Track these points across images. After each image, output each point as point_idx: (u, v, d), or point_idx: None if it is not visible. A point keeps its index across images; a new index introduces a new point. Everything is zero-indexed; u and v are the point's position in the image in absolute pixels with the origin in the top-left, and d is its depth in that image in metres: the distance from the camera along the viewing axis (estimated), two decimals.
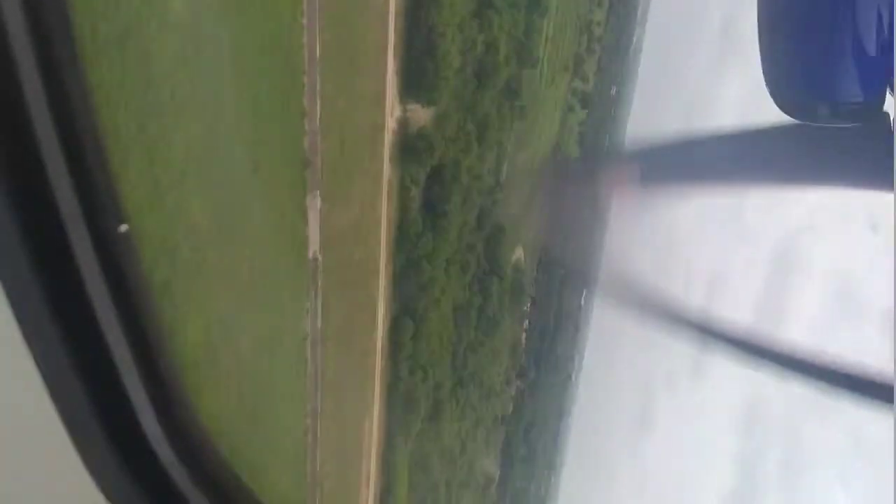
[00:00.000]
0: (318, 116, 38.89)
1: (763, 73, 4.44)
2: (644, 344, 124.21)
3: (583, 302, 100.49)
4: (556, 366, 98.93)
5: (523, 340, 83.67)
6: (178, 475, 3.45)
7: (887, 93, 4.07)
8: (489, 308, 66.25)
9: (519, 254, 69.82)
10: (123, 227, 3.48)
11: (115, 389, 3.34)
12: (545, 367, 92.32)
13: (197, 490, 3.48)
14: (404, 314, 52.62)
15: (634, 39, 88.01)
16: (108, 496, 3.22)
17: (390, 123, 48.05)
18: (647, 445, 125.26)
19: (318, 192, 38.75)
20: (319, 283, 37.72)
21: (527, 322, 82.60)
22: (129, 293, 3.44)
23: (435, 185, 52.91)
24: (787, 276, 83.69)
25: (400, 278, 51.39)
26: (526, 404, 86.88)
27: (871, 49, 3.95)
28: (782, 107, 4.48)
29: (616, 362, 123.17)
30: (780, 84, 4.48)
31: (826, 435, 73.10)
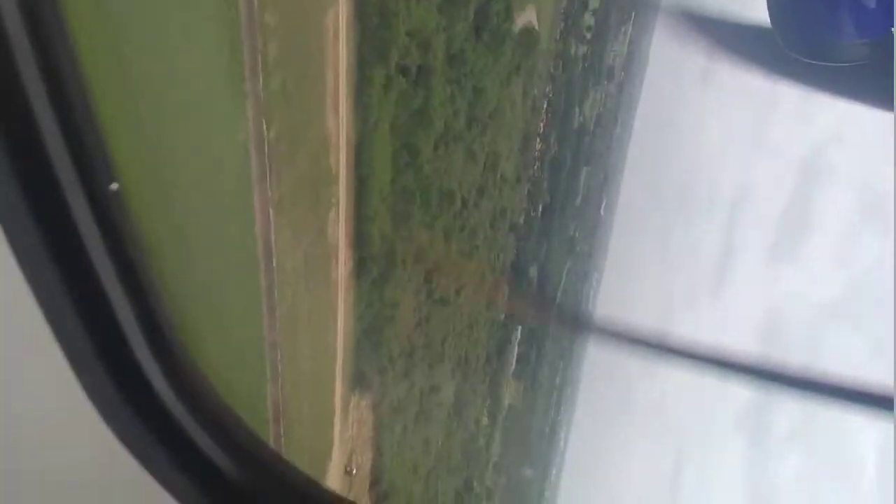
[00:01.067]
0: None
1: (769, 15, 4.51)
2: (663, 263, 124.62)
3: (602, 212, 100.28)
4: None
5: None
6: (166, 393, 3.81)
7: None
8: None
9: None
10: (114, 186, 3.76)
11: (110, 323, 3.70)
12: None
13: (183, 407, 3.84)
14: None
15: None
16: (104, 416, 3.58)
17: None
18: (665, 366, 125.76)
19: None
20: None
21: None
22: (121, 241, 3.74)
23: None
24: (814, 188, 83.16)
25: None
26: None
27: None
28: (789, 47, 4.57)
29: (633, 280, 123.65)
30: (787, 26, 4.58)
31: (846, 343, 73.29)
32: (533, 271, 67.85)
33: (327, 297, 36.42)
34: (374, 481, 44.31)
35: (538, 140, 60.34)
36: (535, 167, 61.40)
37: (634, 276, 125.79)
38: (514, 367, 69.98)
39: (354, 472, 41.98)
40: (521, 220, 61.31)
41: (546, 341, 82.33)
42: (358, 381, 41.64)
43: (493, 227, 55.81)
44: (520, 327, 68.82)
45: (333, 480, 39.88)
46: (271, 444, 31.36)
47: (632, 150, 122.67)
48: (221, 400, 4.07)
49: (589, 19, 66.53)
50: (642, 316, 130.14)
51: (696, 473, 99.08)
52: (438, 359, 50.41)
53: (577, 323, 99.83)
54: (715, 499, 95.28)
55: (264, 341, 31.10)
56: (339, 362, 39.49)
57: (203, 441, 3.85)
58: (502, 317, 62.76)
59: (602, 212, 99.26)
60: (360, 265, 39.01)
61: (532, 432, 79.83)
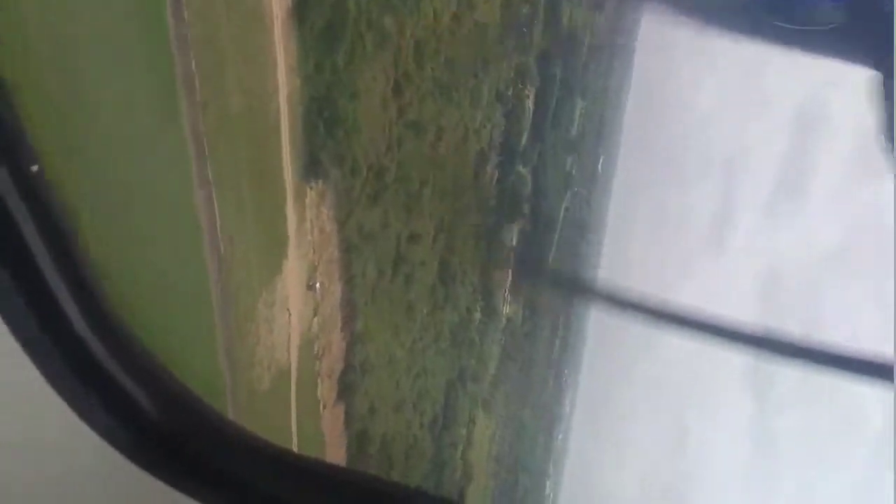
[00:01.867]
0: None
1: None
2: (658, 230, 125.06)
3: (600, 168, 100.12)
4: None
5: None
6: (98, 351, 4.13)
7: None
8: None
9: None
10: (35, 167, 4.12)
11: (42, 287, 4.06)
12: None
13: (114, 361, 4.16)
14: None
15: None
16: (43, 372, 3.92)
17: None
18: (665, 335, 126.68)
19: None
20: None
21: None
22: (46, 213, 4.09)
23: None
24: (809, 139, 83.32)
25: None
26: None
27: None
28: (770, 14, 4.57)
29: (631, 243, 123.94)
30: None
31: (847, 293, 73.51)
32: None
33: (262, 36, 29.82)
34: (349, 334, 40.09)
35: None
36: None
37: (632, 239, 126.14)
38: (510, 280, 67.42)
39: (318, 289, 37.27)
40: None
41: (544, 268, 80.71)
42: (311, 168, 36.42)
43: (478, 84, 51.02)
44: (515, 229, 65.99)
45: (293, 292, 35.29)
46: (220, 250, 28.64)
47: (628, 117, 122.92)
48: (148, 350, 4.34)
49: None
50: (641, 278, 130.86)
51: (701, 432, 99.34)
52: (416, 204, 45.44)
53: (576, 284, 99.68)
54: (721, 457, 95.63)
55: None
56: (286, 133, 33.52)
57: (129, 385, 4.17)
58: (492, 202, 59.08)
59: (600, 168, 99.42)
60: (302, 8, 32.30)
61: (533, 369, 77.46)
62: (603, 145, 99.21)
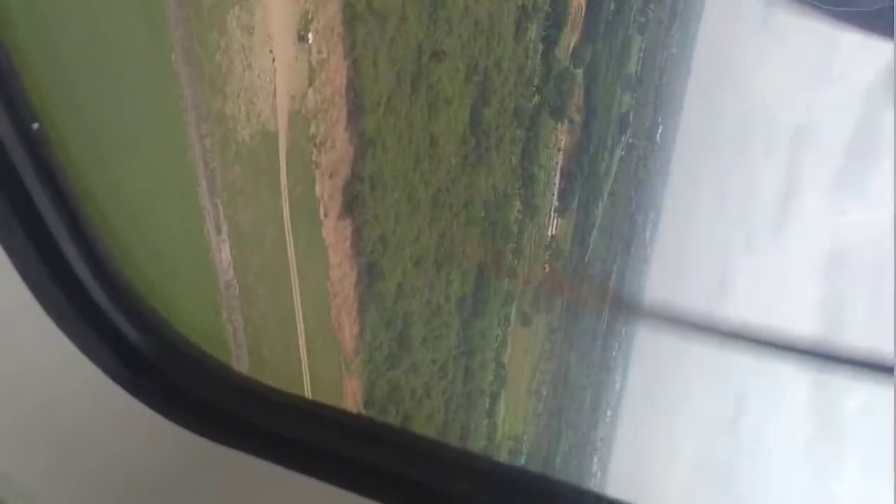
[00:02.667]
0: None
1: None
2: (720, 205, 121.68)
3: (658, 138, 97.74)
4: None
5: None
6: (95, 291, 4.35)
7: None
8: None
9: None
10: (35, 125, 4.28)
11: (48, 239, 4.23)
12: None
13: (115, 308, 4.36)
14: None
15: None
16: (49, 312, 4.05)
17: None
18: (726, 309, 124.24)
19: None
20: None
21: None
22: (46, 165, 4.27)
23: None
24: (878, 113, 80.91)
25: None
26: None
27: None
28: None
29: (691, 229, 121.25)
30: None
31: None
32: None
33: None
34: (355, 136, 32.23)
35: None
36: None
37: (692, 221, 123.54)
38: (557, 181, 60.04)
39: (312, 46, 30.99)
40: None
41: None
42: None
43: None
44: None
45: (278, 32, 29.68)
46: None
47: (689, 91, 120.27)
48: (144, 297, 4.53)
49: None
50: (700, 255, 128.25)
51: (759, 415, 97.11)
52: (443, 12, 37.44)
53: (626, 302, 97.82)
54: (777, 440, 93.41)
55: None
56: None
57: (123, 325, 4.35)
58: (535, 79, 50.84)
59: (658, 137, 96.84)
60: None
61: (580, 311, 73.30)
62: (662, 113, 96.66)
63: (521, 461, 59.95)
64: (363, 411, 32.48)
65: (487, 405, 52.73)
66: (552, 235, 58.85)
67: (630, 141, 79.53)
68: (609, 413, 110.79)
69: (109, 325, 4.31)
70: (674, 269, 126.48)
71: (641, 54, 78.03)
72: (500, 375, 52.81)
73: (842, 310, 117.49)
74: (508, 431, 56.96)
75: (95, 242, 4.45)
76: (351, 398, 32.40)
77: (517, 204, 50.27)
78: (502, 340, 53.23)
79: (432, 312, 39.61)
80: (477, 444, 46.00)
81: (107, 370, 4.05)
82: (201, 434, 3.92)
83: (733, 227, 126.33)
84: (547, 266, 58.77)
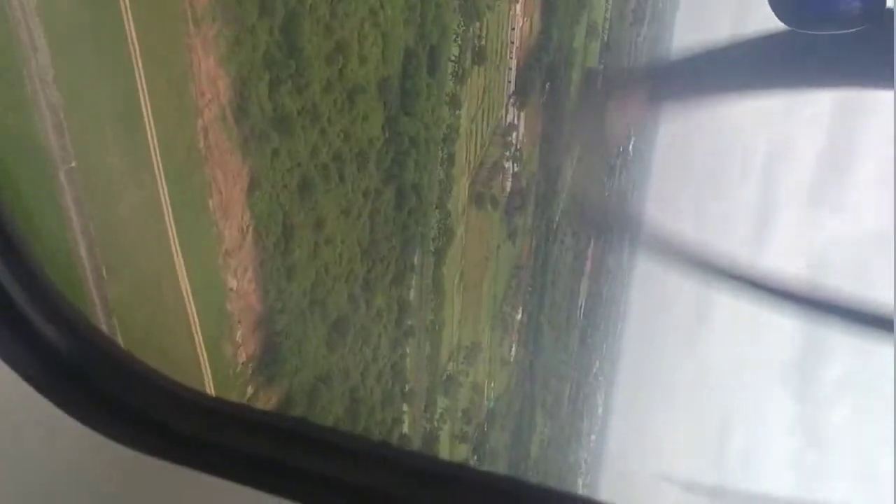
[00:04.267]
0: None
1: None
2: (698, 235, 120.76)
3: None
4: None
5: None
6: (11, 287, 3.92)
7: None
8: None
9: None
10: None
11: None
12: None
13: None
14: None
15: None
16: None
17: None
18: (705, 341, 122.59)
19: None
20: None
21: None
22: None
23: None
24: (851, 123, 79.79)
25: None
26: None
27: None
28: (783, 18, 4.15)
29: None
30: None
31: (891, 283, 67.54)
32: None
33: None
34: None
35: None
36: None
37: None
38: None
39: None
40: None
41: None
42: None
43: None
44: None
45: None
46: None
47: (662, 118, 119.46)
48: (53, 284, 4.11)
49: None
50: (679, 290, 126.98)
51: (744, 432, 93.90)
52: None
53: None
54: (764, 455, 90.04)
55: None
56: None
57: (39, 321, 3.92)
58: None
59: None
60: None
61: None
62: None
63: None
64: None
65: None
66: None
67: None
68: (593, 437, 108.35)
69: (30, 328, 3.82)
70: (653, 297, 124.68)
71: None
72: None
73: (821, 327, 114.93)
74: None
75: (14, 241, 4.04)
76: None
77: None
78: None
79: None
80: None
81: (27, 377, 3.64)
82: (134, 447, 3.49)
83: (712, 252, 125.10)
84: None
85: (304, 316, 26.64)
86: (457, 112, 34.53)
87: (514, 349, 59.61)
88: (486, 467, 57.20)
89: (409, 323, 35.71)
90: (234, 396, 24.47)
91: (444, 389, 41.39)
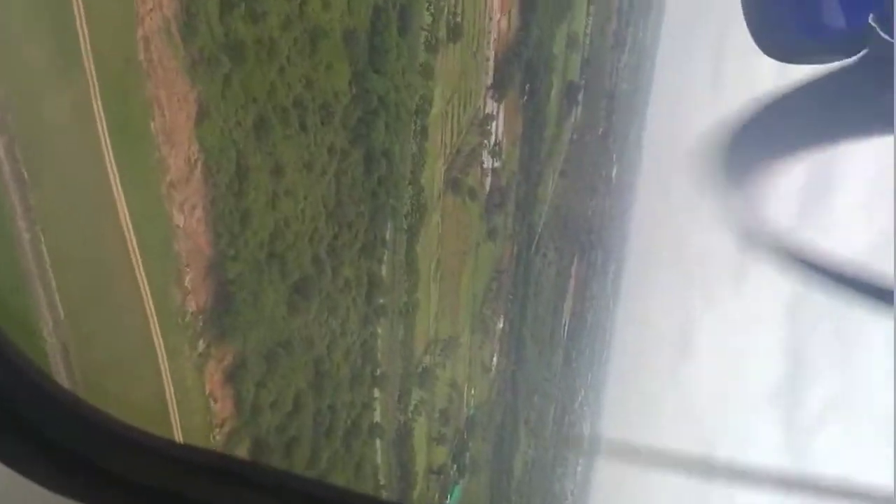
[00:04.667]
0: None
1: (745, 19, 4.12)
2: (681, 266, 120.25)
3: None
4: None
5: None
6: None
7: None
8: None
9: None
10: None
11: None
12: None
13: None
14: None
15: None
16: None
17: None
18: (689, 370, 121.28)
19: None
20: None
21: None
22: None
23: None
24: (831, 153, 79.16)
25: None
26: None
27: None
28: (767, 50, 4.17)
29: (652, 290, 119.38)
30: (763, 25, 4.20)
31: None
32: None
33: None
34: None
35: None
36: None
37: (654, 283, 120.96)
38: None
39: None
40: None
41: None
42: None
43: None
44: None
45: None
46: None
47: (645, 154, 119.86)
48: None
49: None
50: (662, 322, 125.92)
51: (732, 460, 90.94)
52: None
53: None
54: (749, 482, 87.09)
55: None
56: None
57: None
58: None
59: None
60: None
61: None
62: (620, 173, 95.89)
63: None
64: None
65: None
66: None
67: None
68: (580, 468, 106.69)
69: None
70: (638, 326, 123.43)
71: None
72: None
73: (806, 351, 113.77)
74: None
75: None
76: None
77: None
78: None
79: None
80: None
81: None
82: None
83: (693, 285, 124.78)
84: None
85: (260, 268, 24.55)
86: (429, 83, 33.03)
87: (495, 358, 57.51)
88: (466, 478, 54.81)
89: (381, 301, 33.62)
90: (184, 350, 22.33)
91: (420, 381, 39.17)
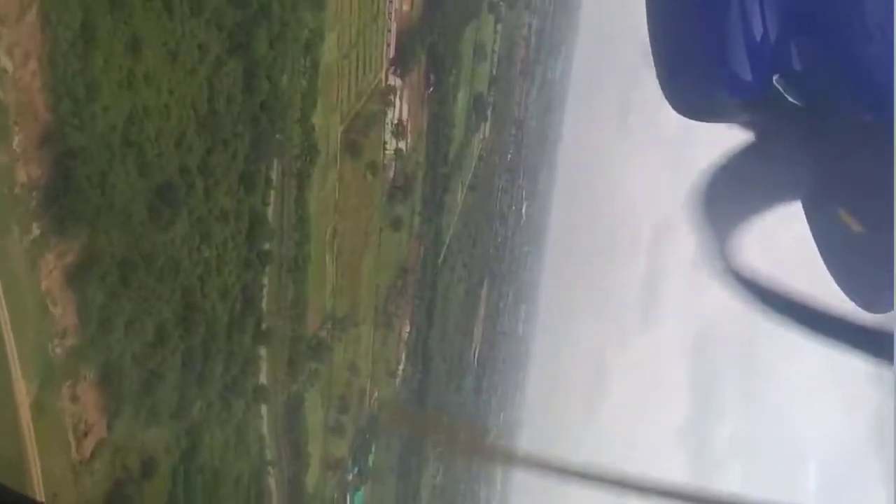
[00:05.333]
0: None
1: (657, 76, 3.93)
2: (593, 306, 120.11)
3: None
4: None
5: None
6: None
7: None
8: None
9: None
10: None
11: None
12: None
13: None
14: None
15: None
16: None
17: None
18: (603, 408, 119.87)
19: None
20: None
21: None
22: None
23: None
24: None
25: None
26: None
27: (758, 38, 3.61)
28: (678, 107, 3.96)
29: (565, 329, 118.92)
30: (674, 83, 3.94)
31: (778, 343, 67.15)
32: None
33: None
34: None
35: None
36: None
37: (565, 322, 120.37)
38: None
39: None
40: None
41: None
42: None
43: None
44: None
45: None
46: None
47: (556, 193, 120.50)
48: None
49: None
50: (577, 361, 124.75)
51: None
52: None
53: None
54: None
55: None
56: None
57: None
58: None
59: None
60: None
61: None
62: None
63: None
64: None
65: None
66: None
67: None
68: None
69: None
70: (552, 368, 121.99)
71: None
72: None
73: (712, 387, 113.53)
74: None
75: None
76: None
77: None
78: None
79: None
80: None
81: None
82: None
83: (606, 324, 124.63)
84: None
85: (112, 151, 20.94)
86: (319, 14, 30.24)
87: (402, 365, 54.17)
88: (369, 486, 50.45)
89: (266, 247, 30.10)
90: (12, 231, 18.45)
91: (314, 353, 35.43)
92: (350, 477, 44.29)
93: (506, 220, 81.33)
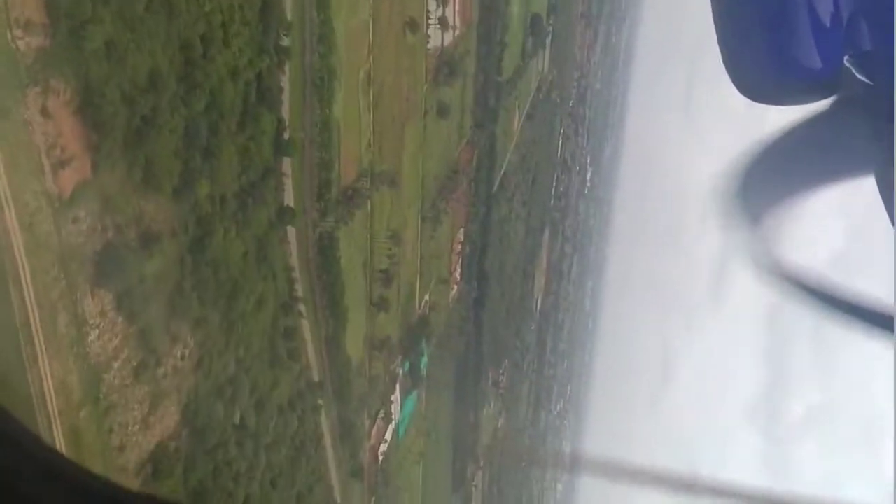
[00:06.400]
0: None
1: (723, 60, 3.88)
2: (659, 288, 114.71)
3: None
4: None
5: None
6: None
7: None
8: None
9: None
10: None
11: None
12: None
13: None
14: None
15: None
16: None
17: None
18: (670, 391, 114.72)
19: None
20: None
21: None
22: None
23: None
24: None
25: None
26: None
27: (826, 21, 3.57)
28: (744, 91, 3.96)
29: (633, 311, 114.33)
30: (740, 67, 3.93)
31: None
32: None
33: None
34: None
35: None
36: None
37: (633, 306, 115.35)
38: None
39: None
40: None
41: None
42: None
43: None
44: None
45: None
46: None
47: (621, 176, 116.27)
48: None
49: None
50: (645, 345, 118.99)
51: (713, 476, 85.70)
52: None
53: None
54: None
55: None
56: None
57: None
58: None
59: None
60: None
61: None
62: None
63: None
64: None
65: None
66: None
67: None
68: (560, 487, 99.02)
69: None
70: (617, 354, 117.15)
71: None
72: None
73: (784, 362, 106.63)
74: None
75: None
76: None
77: None
78: None
79: None
80: None
81: None
82: None
83: (672, 307, 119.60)
84: None
85: None
86: None
87: (457, 273, 49.83)
88: (423, 392, 45.66)
89: (284, 42, 26.38)
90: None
91: (347, 199, 31.41)
92: (400, 372, 40.16)
93: (569, 171, 76.78)
